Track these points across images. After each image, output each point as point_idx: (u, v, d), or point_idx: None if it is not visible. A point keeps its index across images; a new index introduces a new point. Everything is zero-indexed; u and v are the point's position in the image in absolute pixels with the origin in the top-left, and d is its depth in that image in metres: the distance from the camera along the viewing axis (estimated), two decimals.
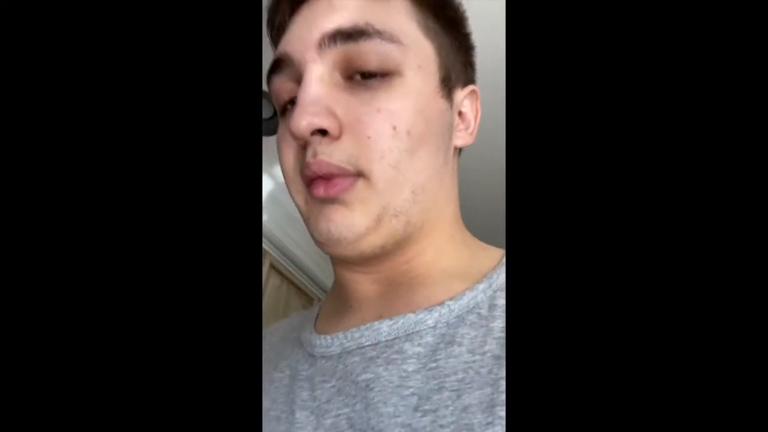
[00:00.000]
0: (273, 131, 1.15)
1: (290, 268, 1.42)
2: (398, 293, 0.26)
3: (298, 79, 0.23)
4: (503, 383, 0.19)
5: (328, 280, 1.59)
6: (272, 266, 1.32)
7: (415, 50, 0.23)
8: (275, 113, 1.11)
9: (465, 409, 0.19)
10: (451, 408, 0.19)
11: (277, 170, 1.26)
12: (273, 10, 0.26)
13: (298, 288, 1.48)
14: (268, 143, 1.17)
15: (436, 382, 0.20)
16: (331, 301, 0.31)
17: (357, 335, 0.24)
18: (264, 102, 1.09)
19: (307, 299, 1.53)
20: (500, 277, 0.24)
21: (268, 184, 1.25)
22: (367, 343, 0.23)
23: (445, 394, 0.20)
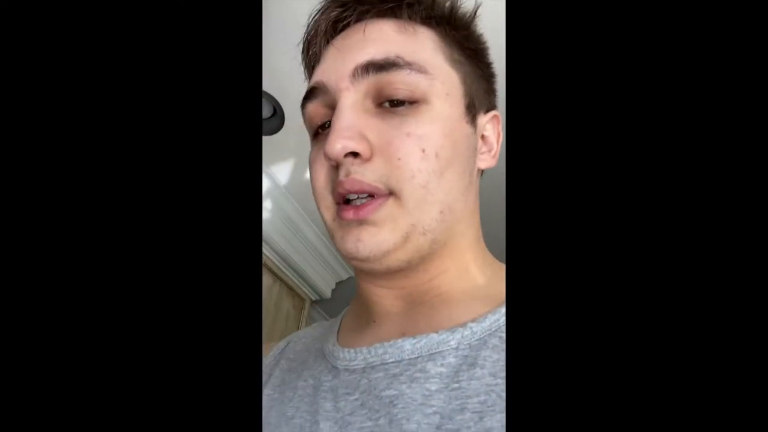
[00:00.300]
0: (272, 131, 1.14)
1: (282, 268, 1.42)
2: (421, 311, 0.26)
3: (332, 105, 0.25)
4: None
5: (320, 281, 1.58)
6: (265, 265, 1.32)
7: (442, 79, 0.26)
8: (275, 112, 1.10)
9: (487, 431, 0.19)
10: (473, 429, 0.20)
11: (273, 170, 1.25)
12: (309, 42, 0.28)
13: (290, 288, 1.48)
14: (266, 142, 1.16)
15: (458, 402, 0.21)
16: (353, 313, 0.32)
17: (381, 351, 0.25)
18: (264, 102, 1.08)
19: (299, 300, 1.53)
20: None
21: (264, 184, 1.24)
22: (391, 360, 0.24)
23: (467, 415, 0.20)
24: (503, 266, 0.30)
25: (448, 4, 0.28)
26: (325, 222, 0.27)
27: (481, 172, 0.30)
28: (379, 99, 0.25)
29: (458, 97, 0.27)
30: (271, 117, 1.12)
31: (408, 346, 0.24)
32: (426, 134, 0.24)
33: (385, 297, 0.28)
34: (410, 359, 0.24)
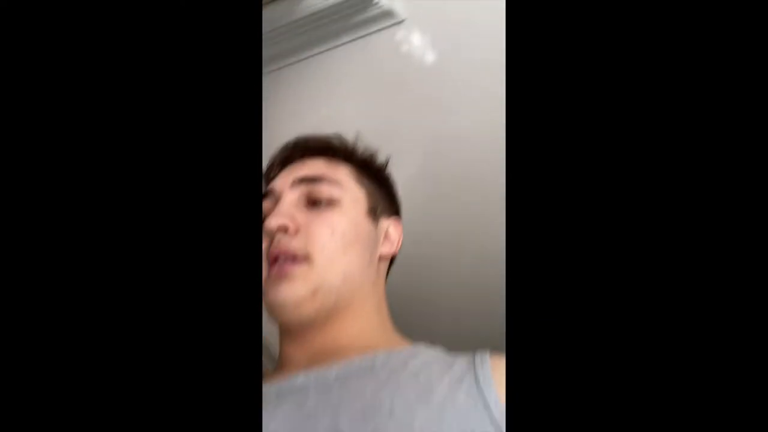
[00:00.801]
0: None
1: None
2: (322, 360, 0.34)
3: (274, 204, 0.38)
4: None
5: None
6: None
7: (351, 192, 0.40)
8: None
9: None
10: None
11: None
12: (269, 168, 0.44)
13: None
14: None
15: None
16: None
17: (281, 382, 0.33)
18: None
19: None
20: (396, 358, 0.33)
21: None
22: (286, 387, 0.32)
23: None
24: (401, 338, 0.40)
25: (361, 155, 0.44)
26: (264, 284, 0.36)
27: (391, 260, 0.44)
28: (308, 200, 0.39)
29: (363, 203, 0.41)
30: None
31: (300, 379, 0.33)
32: (335, 222, 0.37)
33: (295, 351, 0.37)
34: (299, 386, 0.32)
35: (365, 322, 0.37)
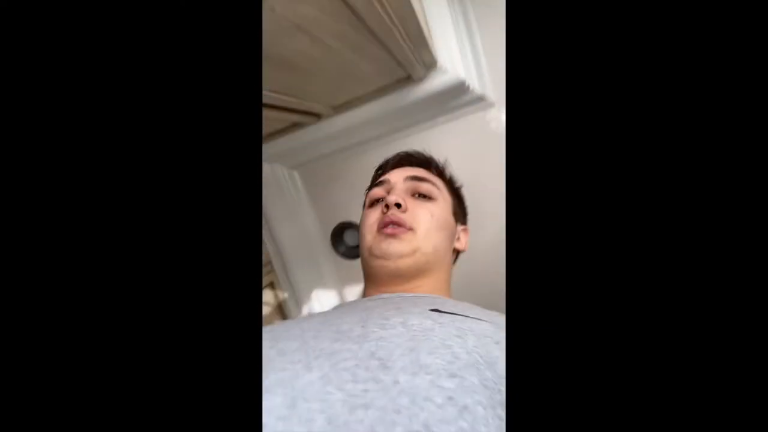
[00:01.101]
0: (354, 256, 1.22)
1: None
2: None
3: (389, 191, 0.55)
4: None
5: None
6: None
7: (443, 194, 0.57)
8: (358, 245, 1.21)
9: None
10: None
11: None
12: (383, 166, 0.64)
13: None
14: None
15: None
16: None
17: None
18: (353, 231, 1.20)
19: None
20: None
21: None
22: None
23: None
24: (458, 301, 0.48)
25: (448, 173, 0.64)
26: (364, 240, 0.52)
27: (457, 253, 0.61)
28: (414, 193, 0.55)
29: (449, 205, 0.57)
30: (356, 246, 1.22)
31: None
32: (433, 210, 0.52)
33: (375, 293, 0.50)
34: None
35: (437, 288, 0.50)
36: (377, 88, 0.92)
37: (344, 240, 1.22)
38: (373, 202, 0.55)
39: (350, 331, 0.32)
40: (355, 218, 1.22)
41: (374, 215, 0.52)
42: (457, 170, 0.93)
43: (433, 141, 1.02)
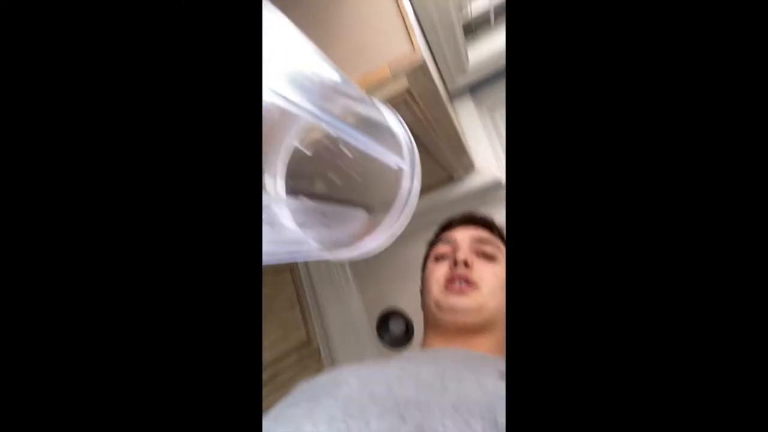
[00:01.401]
0: (402, 344, 1.22)
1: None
2: None
3: (454, 248, 0.58)
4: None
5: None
6: None
7: (504, 257, 0.58)
8: (407, 331, 1.22)
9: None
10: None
11: None
12: (449, 223, 0.66)
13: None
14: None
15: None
16: None
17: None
18: (398, 319, 1.23)
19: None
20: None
21: None
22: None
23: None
24: None
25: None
26: (431, 293, 0.55)
27: None
28: (478, 252, 0.57)
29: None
30: (404, 335, 1.23)
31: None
32: (496, 270, 0.55)
33: (434, 344, 0.53)
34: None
35: (498, 346, 0.52)
36: (422, 188, 1.06)
37: (390, 328, 1.24)
38: (439, 258, 0.59)
39: (430, 382, 0.35)
40: (400, 304, 1.26)
41: (441, 270, 0.55)
42: None
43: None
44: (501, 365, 0.41)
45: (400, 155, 0.25)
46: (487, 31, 0.97)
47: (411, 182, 0.25)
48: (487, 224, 0.64)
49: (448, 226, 0.66)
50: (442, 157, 0.83)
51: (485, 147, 1.08)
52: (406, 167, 0.24)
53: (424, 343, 0.55)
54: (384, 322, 1.24)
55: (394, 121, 0.28)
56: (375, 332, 1.25)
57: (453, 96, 1.08)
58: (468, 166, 1.02)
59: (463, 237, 0.59)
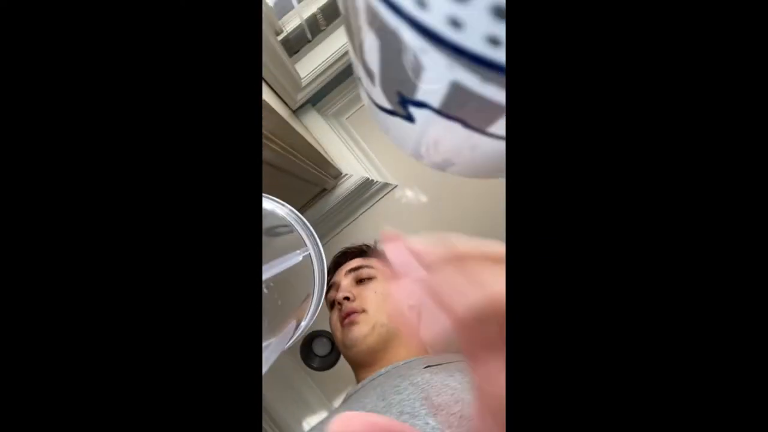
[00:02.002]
0: (332, 363, 1.22)
1: None
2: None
3: (336, 289, 0.65)
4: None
5: None
6: None
7: (381, 270, 0.67)
8: (332, 350, 1.22)
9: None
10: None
11: None
12: (329, 269, 0.71)
13: None
14: None
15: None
16: None
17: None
18: (320, 340, 1.22)
19: None
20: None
21: None
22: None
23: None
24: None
25: (381, 251, 0.78)
26: (336, 339, 0.62)
27: None
28: (356, 280, 0.65)
29: (389, 277, 0.66)
30: (329, 354, 1.22)
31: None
32: (375, 287, 0.63)
33: (366, 375, 0.58)
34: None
35: (414, 348, 0.58)
36: (300, 207, 1.06)
37: (314, 352, 1.22)
38: (331, 305, 0.65)
39: (375, 407, 0.41)
40: (316, 327, 1.25)
41: (335, 315, 0.62)
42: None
43: (360, 228, 1.16)
44: (425, 361, 0.49)
45: (302, 242, 0.26)
46: (309, 46, 1.01)
47: (318, 259, 0.26)
48: (358, 252, 0.73)
49: (330, 272, 0.73)
50: (310, 176, 0.84)
51: (344, 151, 1.13)
52: (309, 247, 0.25)
53: (357, 380, 0.60)
54: (307, 346, 1.21)
55: (278, 211, 0.28)
56: (302, 362, 1.21)
57: (298, 113, 1.09)
58: (336, 174, 1.06)
59: (340, 276, 0.66)
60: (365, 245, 0.75)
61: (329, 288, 0.68)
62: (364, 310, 0.59)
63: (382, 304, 0.60)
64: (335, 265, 0.72)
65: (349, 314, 0.58)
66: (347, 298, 0.60)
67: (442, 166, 0.29)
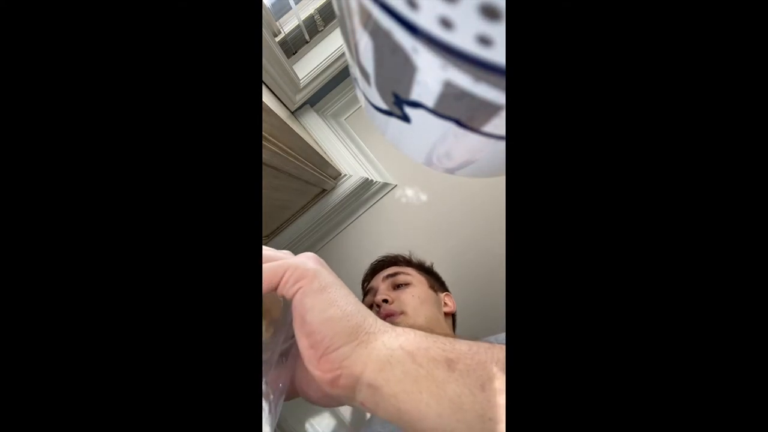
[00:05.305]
0: None
1: None
2: None
3: (374, 294, 0.71)
4: None
5: None
6: None
7: (416, 277, 0.74)
8: None
9: None
10: None
11: None
12: (366, 277, 0.81)
13: None
14: None
15: None
16: None
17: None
18: None
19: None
20: None
21: None
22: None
23: None
24: None
25: (417, 260, 0.82)
26: None
27: (452, 315, 0.74)
28: (393, 286, 0.70)
29: (425, 283, 0.73)
30: None
31: None
32: (413, 291, 0.68)
33: None
34: None
35: None
36: (300, 208, 1.06)
37: None
38: (370, 307, 0.68)
39: None
40: None
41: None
42: (387, 242, 1.07)
43: (361, 229, 1.16)
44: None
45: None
46: (307, 47, 1.01)
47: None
48: (393, 261, 0.79)
49: (366, 279, 0.79)
50: (309, 176, 0.85)
51: (343, 151, 1.13)
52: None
53: None
54: None
55: None
56: None
57: (297, 114, 1.09)
58: (335, 175, 1.06)
59: (377, 282, 0.72)
60: (399, 255, 0.79)
61: (366, 293, 0.72)
62: (403, 312, 0.61)
63: (419, 306, 0.62)
64: (372, 272, 0.76)
65: (388, 315, 0.60)
66: (386, 301, 0.63)
67: (453, 170, 0.29)
